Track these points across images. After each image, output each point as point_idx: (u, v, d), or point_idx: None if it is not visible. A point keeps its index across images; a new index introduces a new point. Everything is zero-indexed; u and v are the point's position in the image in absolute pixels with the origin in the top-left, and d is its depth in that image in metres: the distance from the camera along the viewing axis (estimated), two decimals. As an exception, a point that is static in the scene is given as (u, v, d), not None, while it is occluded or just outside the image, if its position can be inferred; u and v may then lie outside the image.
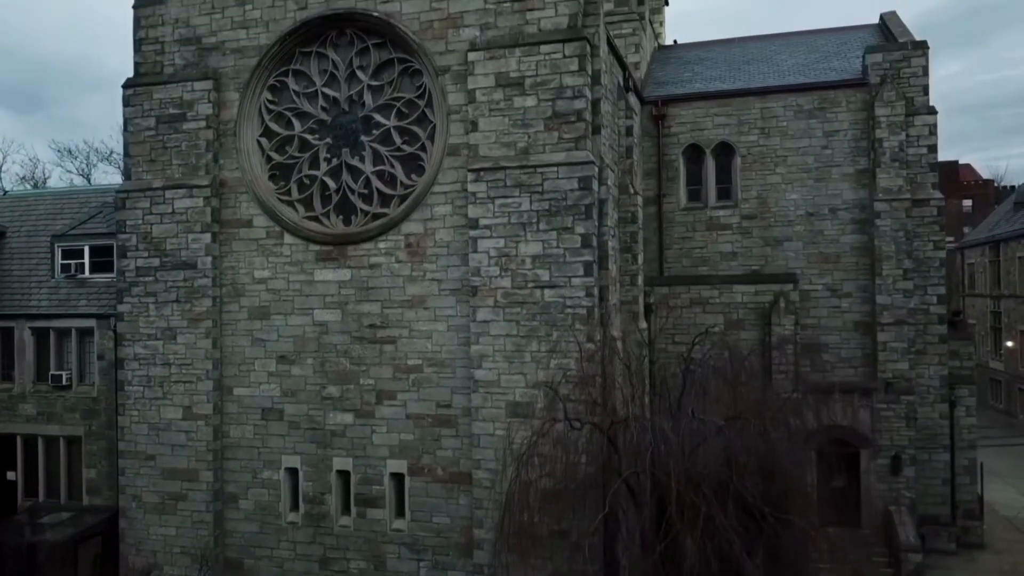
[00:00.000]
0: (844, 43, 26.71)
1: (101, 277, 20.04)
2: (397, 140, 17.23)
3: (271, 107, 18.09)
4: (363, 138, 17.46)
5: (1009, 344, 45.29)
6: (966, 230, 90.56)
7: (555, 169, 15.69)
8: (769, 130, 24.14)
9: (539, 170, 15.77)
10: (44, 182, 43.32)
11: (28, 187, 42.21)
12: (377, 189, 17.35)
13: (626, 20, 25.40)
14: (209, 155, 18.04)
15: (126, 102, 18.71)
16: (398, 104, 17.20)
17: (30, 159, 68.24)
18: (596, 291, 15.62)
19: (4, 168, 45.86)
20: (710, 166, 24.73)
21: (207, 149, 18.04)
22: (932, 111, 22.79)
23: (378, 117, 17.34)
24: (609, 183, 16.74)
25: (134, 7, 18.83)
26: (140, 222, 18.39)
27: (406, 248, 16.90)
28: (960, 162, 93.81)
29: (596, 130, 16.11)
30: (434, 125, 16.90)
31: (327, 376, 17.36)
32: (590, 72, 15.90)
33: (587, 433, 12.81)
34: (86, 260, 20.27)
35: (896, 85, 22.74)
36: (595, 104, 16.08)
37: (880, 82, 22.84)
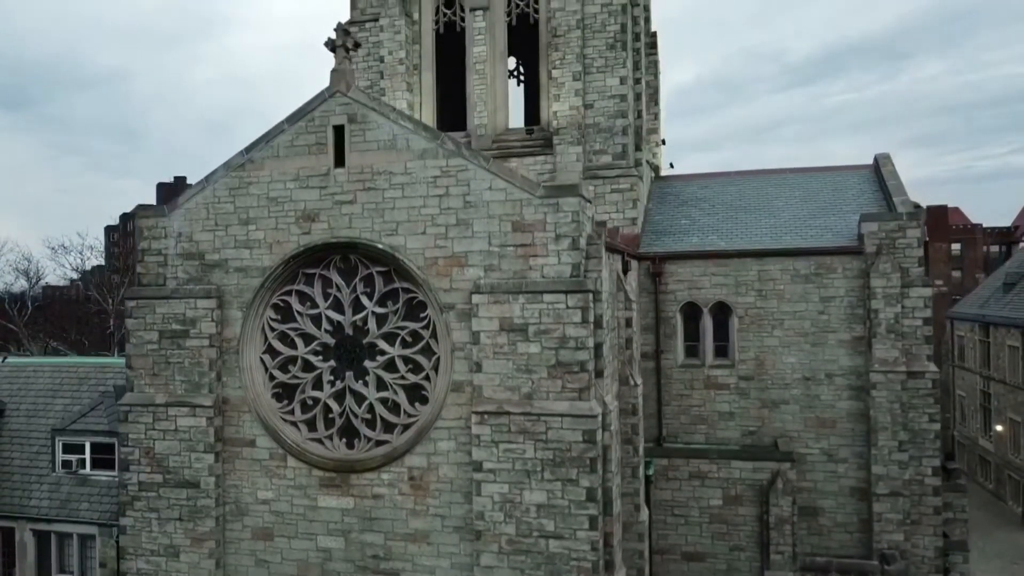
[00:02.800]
0: (839, 190, 26.97)
1: (103, 475, 20.07)
2: (401, 368, 17.33)
3: (274, 325, 18.16)
4: (367, 363, 17.55)
5: (999, 428, 45.79)
6: (955, 274, 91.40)
7: (559, 419, 15.84)
8: (766, 292, 24.42)
9: (543, 418, 15.92)
10: (37, 279, 43.30)
11: (24, 282, 42.17)
12: (380, 416, 17.44)
13: (624, 175, 25.55)
14: (212, 374, 18.09)
15: (129, 314, 18.75)
16: (402, 333, 17.30)
17: (24, 257, 68.64)
18: (601, 541, 15.77)
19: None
20: (708, 324, 25.01)
21: (210, 368, 18.10)
22: (927, 284, 23.10)
23: (382, 344, 17.44)
24: (612, 428, 16.88)
25: (137, 217, 18.89)
26: (143, 436, 18.42)
27: (409, 481, 17.01)
28: (949, 205, 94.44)
29: (599, 373, 16.27)
30: (438, 357, 17.01)
31: (331, 603, 17.45)
32: (592, 319, 16.05)
33: None
34: (87, 456, 20.30)
35: (891, 255, 23.02)
36: (597, 348, 16.23)
37: (876, 252, 23.15)
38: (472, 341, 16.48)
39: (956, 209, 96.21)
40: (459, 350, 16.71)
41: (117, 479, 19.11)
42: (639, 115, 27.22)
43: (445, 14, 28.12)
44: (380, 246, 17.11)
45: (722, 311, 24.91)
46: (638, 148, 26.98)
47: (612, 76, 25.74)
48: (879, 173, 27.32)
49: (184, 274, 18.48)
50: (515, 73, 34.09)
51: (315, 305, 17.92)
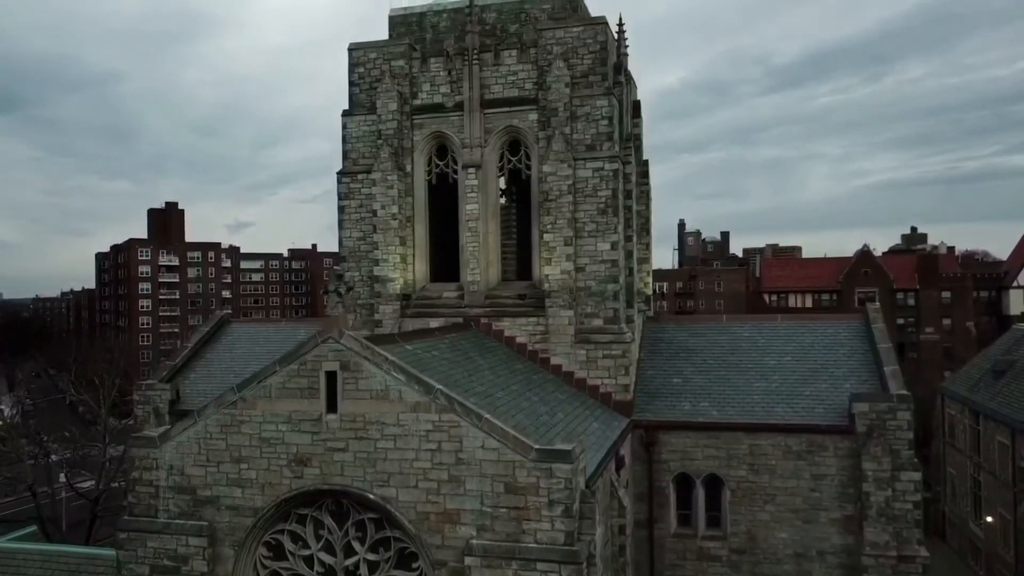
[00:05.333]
0: (830, 348, 27.03)
1: None
2: (394, 618, 17.32)
3: (266, 563, 18.11)
4: (360, 608, 17.53)
5: (989, 519, 46.00)
6: (945, 322, 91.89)
7: None
8: (758, 467, 24.54)
9: (539, 678, 15.93)
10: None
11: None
12: (374, 663, 17.42)
13: (616, 341, 25.57)
14: (204, 613, 18.04)
15: (120, 546, 18.69)
16: (395, 584, 17.30)
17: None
18: None
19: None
20: (700, 496, 25.13)
21: (202, 606, 18.04)
22: (917, 467, 23.20)
23: (375, 592, 17.42)
24: None
25: (129, 446, 18.82)
26: (135, 671, 18.35)
27: None
28: (945, 246, 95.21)
29: (594, 628, 16.31)
30: (431, 613, 17.00)
31: None
32: (587, 589, 16.08)
33: None
34: (78, 668, 20.19)
35: (882, 437, 23.13)
36: (592, 605, 16.29)
37: (867, 433, 23.25)
38: (466, 603, 16.47)
39: (947, 255, 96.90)
40: (453, 609, 16.69)
41: None
42: (631, 272, 27.29)
43: (438, 165, 28.14)
44: (372, 496, 17.08)
45: (714, 481, 25.03)
46: (630, 305, 27.06)
47: (603, 241, 25.80)
48: (869, 327, 27.41)
49: (176, 507, 18.40)
50: (507, 192, 34.04)
51: (307, 545, 17.89)
